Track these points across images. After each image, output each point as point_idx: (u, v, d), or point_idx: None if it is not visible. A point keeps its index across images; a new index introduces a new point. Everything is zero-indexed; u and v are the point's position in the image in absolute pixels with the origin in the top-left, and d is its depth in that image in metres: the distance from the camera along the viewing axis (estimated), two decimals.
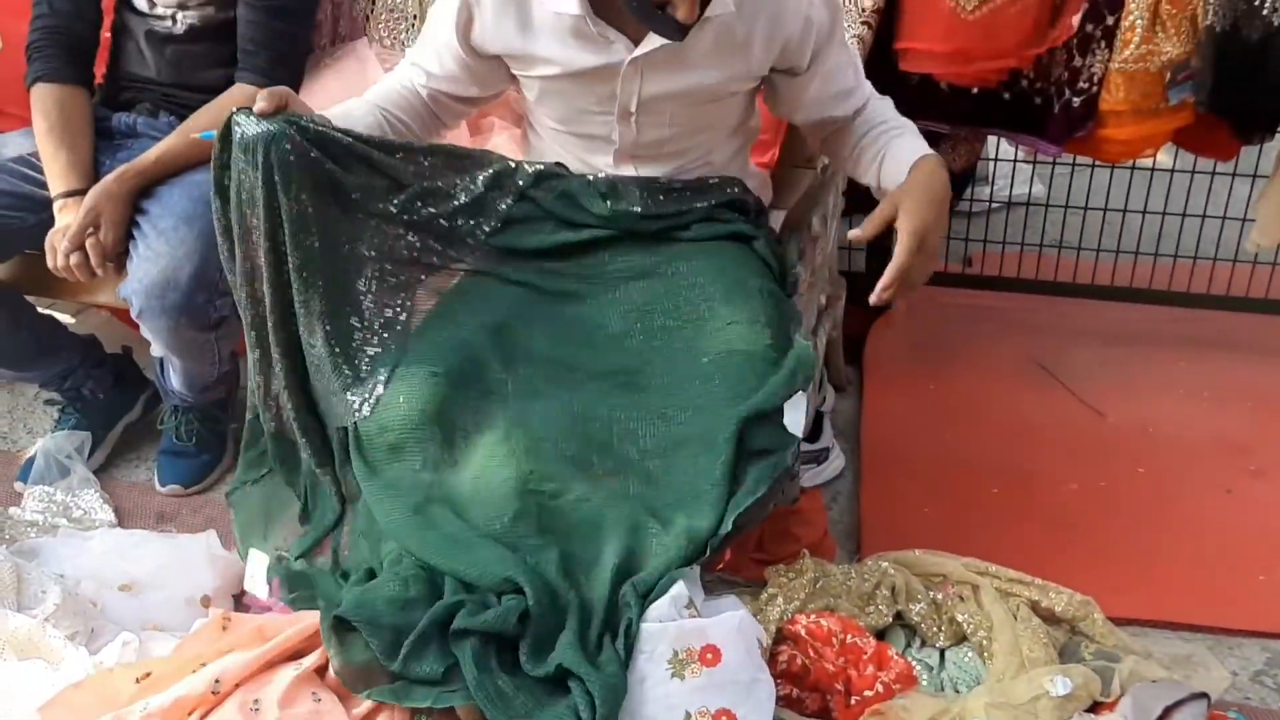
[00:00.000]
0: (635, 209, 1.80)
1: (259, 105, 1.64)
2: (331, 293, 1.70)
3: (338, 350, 1.71)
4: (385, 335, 1.74)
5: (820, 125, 1.89)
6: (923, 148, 1.74)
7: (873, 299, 1.66)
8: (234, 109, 1.67)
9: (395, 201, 1.74)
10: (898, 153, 1.76)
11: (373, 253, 1.74)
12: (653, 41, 1.66)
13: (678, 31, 1.59)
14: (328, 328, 1.70)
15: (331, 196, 1.69)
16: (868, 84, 1.88)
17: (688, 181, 1.86)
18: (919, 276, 1.67)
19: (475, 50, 1.79)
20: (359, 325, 1.74)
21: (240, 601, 2.06)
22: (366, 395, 1.70)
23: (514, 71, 1.81)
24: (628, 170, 1.85)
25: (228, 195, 1.71)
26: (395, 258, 1.76)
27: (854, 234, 1.66)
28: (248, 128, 1.64)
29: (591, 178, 1.83)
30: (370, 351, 1.73)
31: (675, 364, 1.73)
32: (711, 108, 1.79)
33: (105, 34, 2.33)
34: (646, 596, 1.54)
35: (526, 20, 1.72)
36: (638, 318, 1.79)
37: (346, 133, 1.71)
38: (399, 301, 1.76)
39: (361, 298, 1.74)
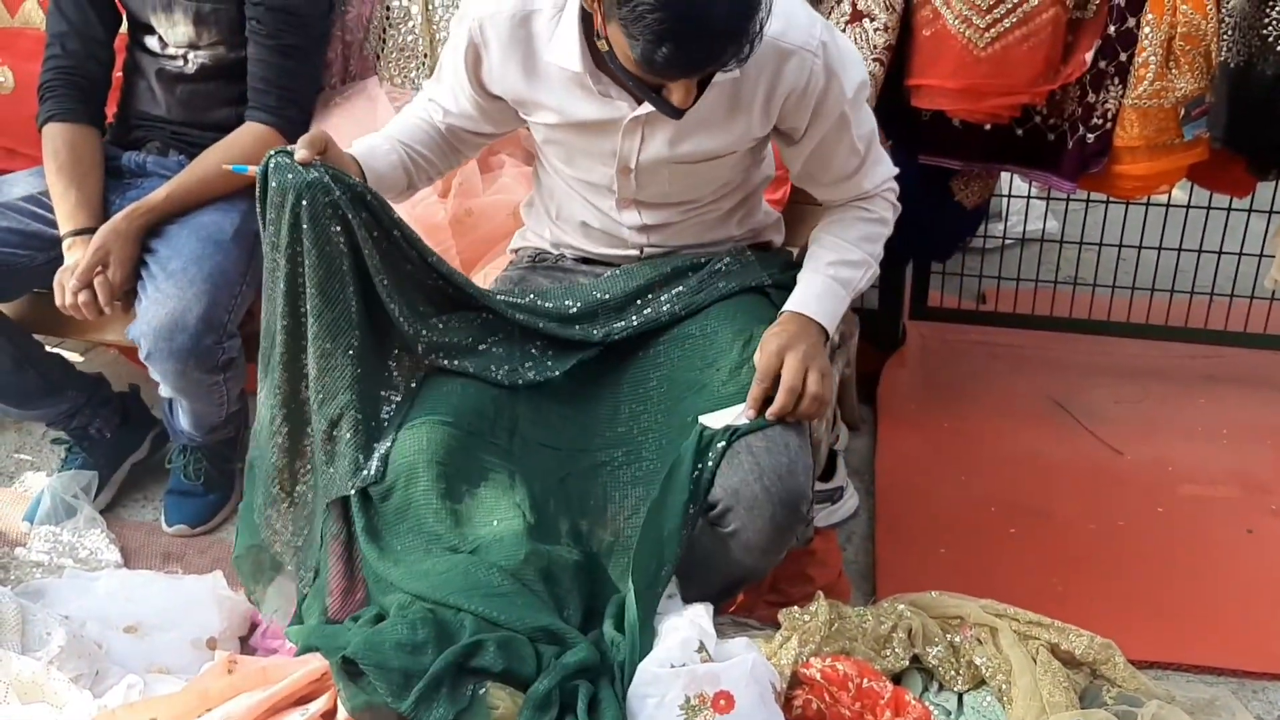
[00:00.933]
0: (650, 315, 1.83)
1: (299, 154, 1.59)
2: (362, 352, 1.67)
3: (359, 415, 1.66)
4: (398, 399, 1.71)
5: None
6: (801, 299, 1.77)
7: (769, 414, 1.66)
8: (272, 150, 1.62)
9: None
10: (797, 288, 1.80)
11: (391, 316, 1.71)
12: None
13: (674, 111, 1.59)
14: (356, 390, 1.66)
15: (360, 255, 1.64)
16: (870, 179, 1.83)
17: (708, 274, 1.86)
18: (823, 394, 1.68)
19: (484, 89, 1.79)
20: (384, 388, 1.71)
21: (247, 644, 2.04)
22: (374, 459, 1.67)
23: (520, 114, 1.81)
24: (631, 215, 1.84)
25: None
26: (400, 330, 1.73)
27: (753, 394, 1.67)
28: (284, 172, 1.59)
29: (606, 297, 1.83)
30: (386, 415, 1.70)
31: (669, 434, 1.73)
32: (714, 165, 1.78)
33: (117, 74, 2.34)
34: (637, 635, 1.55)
35: (532, 67, 1.71)
36: (638, 391, 1.80)
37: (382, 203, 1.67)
38: (409, 363, 1.74)
39: (388, 360, 1.72)
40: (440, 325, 1.73)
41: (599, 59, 1.64)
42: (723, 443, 1.62)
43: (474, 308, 1.76)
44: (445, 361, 1.72)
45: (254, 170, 1.63)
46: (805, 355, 1.68)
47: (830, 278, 1.78)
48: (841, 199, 1.85)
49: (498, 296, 1.81)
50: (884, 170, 1.84)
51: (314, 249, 1.60)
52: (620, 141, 1.72)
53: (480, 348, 1.75)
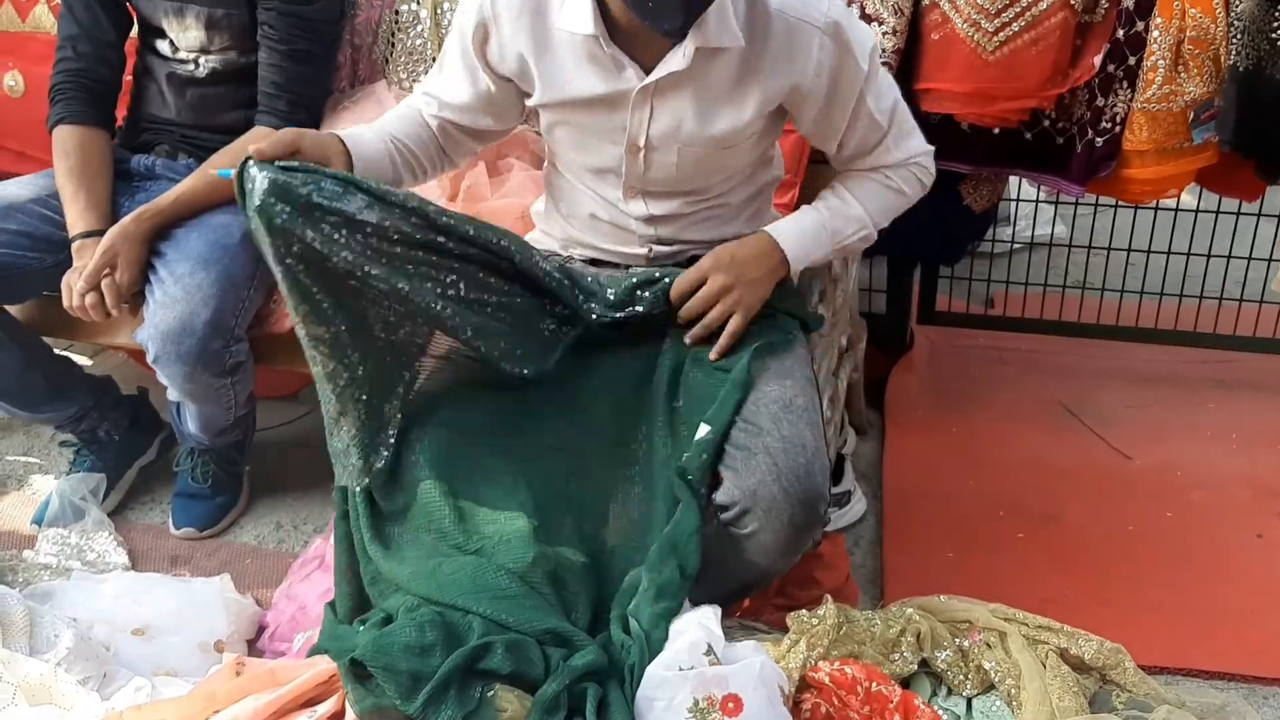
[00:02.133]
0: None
1: (258, 147, 1.56)
2: (360, 345, 1.63)
3: (366, 409, 1.65)
4: (395, 399, 1.69)
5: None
6: (784, 228, 1.81)
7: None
8: (247, 159, 1.57)
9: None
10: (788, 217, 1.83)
11: (380, 318, 1.67)
12: (663, 69, 1.65)
13: (669, 13, 1.56)
14: (339, 383, 1.63)
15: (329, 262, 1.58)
16: (897, 152, 1.82)
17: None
18: (723, 301, 1.73)
19: (492, 69, 1.77)
20: (393, 385, 1.68)
21: (254, 646, 2.04)
22: (376, 454, 1.66)
23: (525, 92, 1.79)
24: (637, 205, 1.83)
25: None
26: (403, 322, 1.69)
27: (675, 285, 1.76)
28: (253, 182, 1.54)
29: (612, 294, 1.80)
30: (385, 410, 1.68)
31: (674, 436, 1.72)
32: (723, 154, 1.77)
33: (127, 77, 2.34)
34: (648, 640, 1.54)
35: (543, 38, 1.71)
36: (642, 395, 1.78)
37: (378, 190, 1.59)
38: (405, 361, 1.71)
39: (398, 356, 1.69)
40: (454, 291, 1.66)
41: (610, 23, 1.64)
42: (712, 436, 1.60)
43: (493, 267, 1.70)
44: (457, 333, 1.68)
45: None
46: (736, 290, 1.73)
47: (821, 223, 1.80)
48: (867, 168, 1.84)
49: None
50: (913, 145, 1.84)
51: (298, 251, 1.55)
52: (630, 116, 1.71)
53: (491, 321, 1.70)
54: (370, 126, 1.83)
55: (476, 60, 1.76)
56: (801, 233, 1.79)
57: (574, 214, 1.91)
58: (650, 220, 1.84)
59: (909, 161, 1.83)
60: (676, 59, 1.64)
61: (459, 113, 1.84)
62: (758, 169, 1.86)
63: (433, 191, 2.17)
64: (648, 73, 1.67)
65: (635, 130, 1.73)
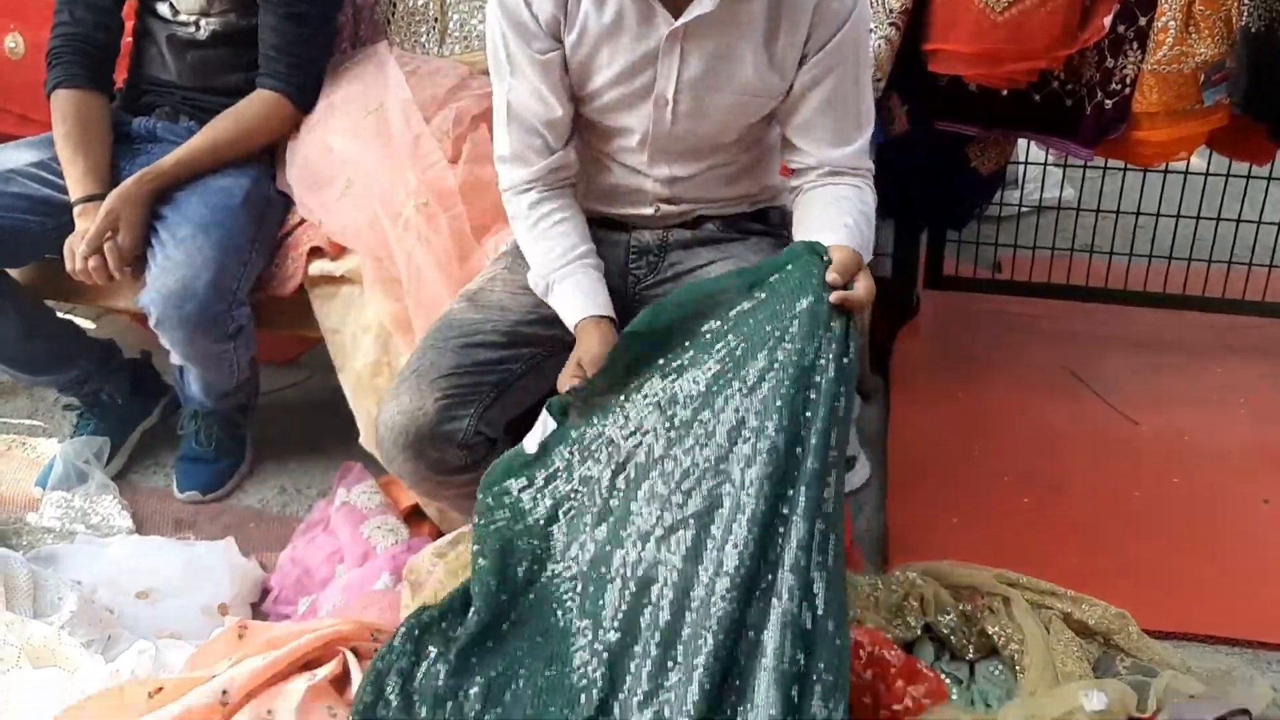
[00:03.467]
0: None
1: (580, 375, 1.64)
2: None
3: None
4: None
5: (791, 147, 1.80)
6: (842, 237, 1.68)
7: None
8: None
9: None
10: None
11: None
12: (692, 12, 1.61)
13: None
14: None
15: None
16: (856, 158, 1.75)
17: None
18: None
19: (557, 40, 1.69)
20: None
21: (258, 609, 2.05)
22: None
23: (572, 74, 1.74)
24: (661, 169, 1.79)
25: None
26: None
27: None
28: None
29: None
30: None
31: None
32: (752, 100, 1.73)
33: (126, 39, 2.33)
34: None
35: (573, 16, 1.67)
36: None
37: None
38: None
39: None
40: None
41: None
42: None
43: None
44: None
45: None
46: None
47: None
48: (838, 170, 1.76)
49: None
50: (866, 160, 1.77)
51: None
52: (659, 65, 1.67)
53: None
54: (582, 278, 1.76)
55: (546, 38, 1.69)
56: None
57: (591, 184, 1.88)
58: (670, 182, 1.82)
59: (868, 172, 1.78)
60: (705, 1, 1.61)
61: (558, 130, 1.78)
62: (767, 127, 1.84)
63: (434, 155, 2.14)
64: (675, 17, 1.63)
65: (664, 81, 1.69)
